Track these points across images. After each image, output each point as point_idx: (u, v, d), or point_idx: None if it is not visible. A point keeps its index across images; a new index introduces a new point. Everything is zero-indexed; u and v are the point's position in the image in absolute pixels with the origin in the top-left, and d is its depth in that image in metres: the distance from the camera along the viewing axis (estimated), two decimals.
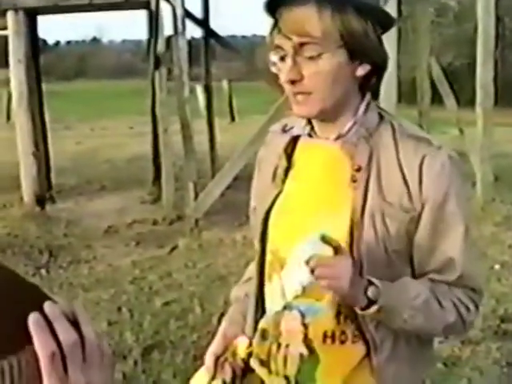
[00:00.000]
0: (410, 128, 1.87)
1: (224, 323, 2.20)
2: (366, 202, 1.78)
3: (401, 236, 1.79)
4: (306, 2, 1.72)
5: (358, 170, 1.80)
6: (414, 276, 1.84)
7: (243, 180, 9.72)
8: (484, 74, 9.64)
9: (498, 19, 12.10)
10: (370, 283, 1.71)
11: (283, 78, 1.78)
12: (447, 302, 1.79)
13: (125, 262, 7.92)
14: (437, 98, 11.37)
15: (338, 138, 1.86)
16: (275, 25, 1.82)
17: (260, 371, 1.98)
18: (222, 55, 24.30)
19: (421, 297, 1.76)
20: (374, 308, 1.70)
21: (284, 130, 2.02)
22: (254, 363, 1.98)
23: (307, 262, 1.63)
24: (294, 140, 1.97)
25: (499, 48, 28.47)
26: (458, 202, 1.78)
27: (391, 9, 9.10)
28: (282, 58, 1.79)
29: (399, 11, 10.29)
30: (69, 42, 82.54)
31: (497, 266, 7.25)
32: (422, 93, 11.16)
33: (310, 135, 1.93)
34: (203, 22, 12.88)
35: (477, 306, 1.85)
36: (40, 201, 10.75)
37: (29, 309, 0.98)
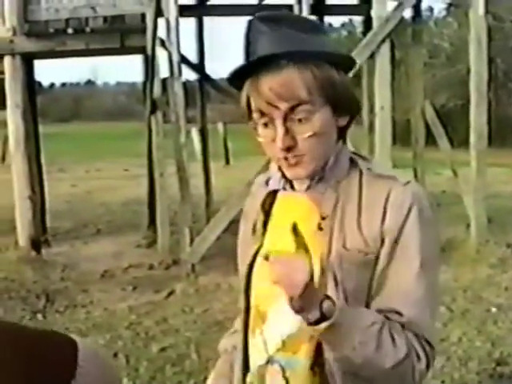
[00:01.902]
0: (378, 168, 1.85)
1: (212, 376, 2.19)
2: (331, 248, 1.78)
3: (359, 281, 1.76)
4: (286, 65, 1.70)
5: (324, 218, 1.80)
6: None
7: (239, 224, 9.76)
8: (477, 116, 9.71)
9: (491, 60, 12.23)
10: (327, 298, 1.64)
11: (278, 145, 1.74)
12: (400, 340, 1.70)
13: (121, 306, 7.90)
14: (431, 140, 11.45)
15: (308, 188, 1.85)
16: (239, 88, 1.80)
17: None
18: (216, 98, 24.36)
19: (375, 326, 1.68)
20: (326, 323, 1.61)
21: (267, 183, 2.02)
22: None
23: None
24: (274, 193, 1.97)
25: (492, 89, 28.74)
26: (419, 242, 1.74)
27: (385, 52, 9.22)
28: (265, 125, 1.77)
29: (392, 55, 10.39)
30: (64, 85, 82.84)
31: (493, 309, 7.23)
32: (416, 135, 11.27)
33: (284, 188, 1.92)
34: (198, 67, 12.98)
35: (428, 358, 1.73)
36: (35, 245, 10.75)
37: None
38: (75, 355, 1.09)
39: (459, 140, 14.73)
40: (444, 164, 11.75)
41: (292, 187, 1.91)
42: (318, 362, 1.78)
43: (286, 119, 1.72)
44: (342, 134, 1.86)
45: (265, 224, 1.97)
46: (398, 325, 1.71)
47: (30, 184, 10.78)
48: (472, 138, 9.79)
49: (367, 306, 1.77)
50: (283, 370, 1.84)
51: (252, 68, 1.73)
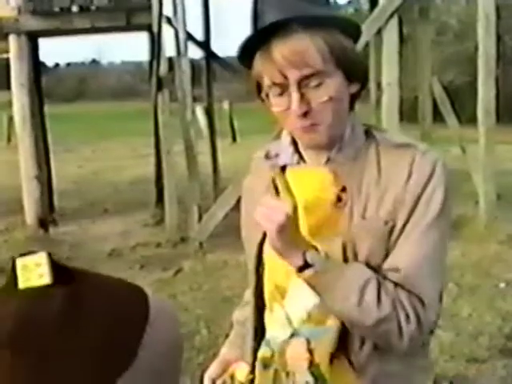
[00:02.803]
0: (394, 138, 1.86)
1: (224, 347, 2.23)
2: (352, 220, 1.78)
3: (378, 249, 1.76)
4: (296, 32, 1.69)
5: (343, 190, 1.80)
6: None
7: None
8: (485, 92, 9.66)
9: (499, 38, 12.17)
10: (313, 248, 1.70)
11: (295, 112, 1.74)
12: (387, 298, 1.70)
13: None
14: (439, 117, 11.41)
15: (327, 161, 1.84)
16: (250, 61, 1.79)
17: None
18: (222, 76, 24.40)
19: (360, 280, 1.69)
20: (308, 271, 1.67)
21: (267, 157, 1.99)
22: None
23: None
24: (282, 168, 1.94)
25: (500, 66, 28.60)
26: (433, 200, 1.75)
27: (392, 28, 9.17)
28: (280, 94, 1.76)
29: (400, 32, 10.34)
30: (68, 65, 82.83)
31: (502, 285, 7.25)
32: (423, 112, 11.22)
33: (298, 162, 1.91)
34: (205, 44, 12.96)
35: (418, 319, 1.71)
36: (43, 224, 10.80)
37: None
38: (146, 308, 1.09)
39: (467, 117, 14.62)
40: (452, 141, 11.72)
41: (304, 162, 1.90)
42: (344, 330, 1.78)
43: (300, 85, 1.71)
44: (352, 102, 1.86)
45: None
46: (390, 283, 1.72)
47: (36, 163, 10.81)
48: (480, 115, 9.74)
49: None
50: (308, 342, 1.84)
51: (262, 38, 1.72)
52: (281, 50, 1.69)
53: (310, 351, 1.83)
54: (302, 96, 1.72)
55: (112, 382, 0.99)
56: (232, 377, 2.05)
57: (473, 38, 19.12)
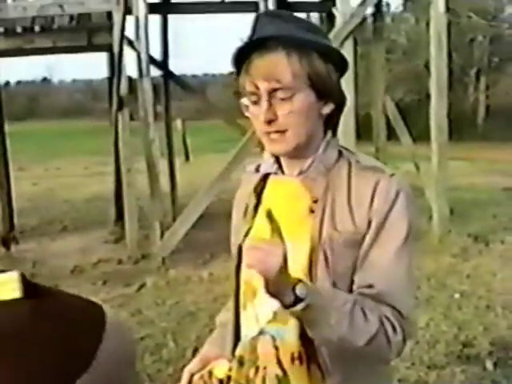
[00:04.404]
0: (366, 161, 2.03)
1: (205, 344, 2.34)
2: (322, 230, 1.93)
3: (347, 261, 1.91)
4: (275, 49, 1.88)
5: (315, 201, 1.97)
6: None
7: (204, 219, 9.92)
8: (438, 110, 9.95)
9: (450, 56, 12.45)
10: (300, 282, 1.75)
11: (260, 118, 1.92)
12: (372, 315, 1.83)
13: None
14: (393, 134, 11.67)
15: (300, 173, 2.02)
16: (239, 71, 1.98)
17: None
18: (174, 94, 24.40)
19: (348, 305, 1.80)
20: (301, 305, 1.72)
21: (257, 170, 2.18)
22: None
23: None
24: (265, 178, 2.15)
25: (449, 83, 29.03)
26: (399, 223, 1.90)
27: (348, 49, 9.40)
28: (255, 102, 1.95)
29: (355, 51, 10.60)
30: (19, 83, 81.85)
31: (456, 295, 7.49)
32: (377, 130, 11.50)
33: (276, 173, 2.10)
34: (163, 64, 13.12)
35: (403, 329, 1.86)
36: (5, 242, 10.82)
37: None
38: (103, 319, 1.14)
39: (417, 134, 14.94)
40: (405, 158, 11.98)
41: (283, 172, 2.08)
42: (305, 331, 1.89)
43: (270, 97, 1.90)
44: (329, 123, 2.04)
45: (256, 207, 2.14)
46: (371, 300, 1.85)
47: None
48: (433, 132, 10.02)
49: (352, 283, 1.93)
50: (274, 340, 1.99)
51: (246, 51, 1.93)
52: (257, 63, 1.90)
53: (276, 348, 1.99)
54: (270, 106, 1.90)
55: (72, 382, 1.07)
56: (210, 373, 2.13)
57: (422, 56, 19.45)
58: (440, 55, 9.88)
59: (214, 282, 8.35)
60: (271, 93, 1.90)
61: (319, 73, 1.92)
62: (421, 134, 13.08)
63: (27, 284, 1.08)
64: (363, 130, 16.76)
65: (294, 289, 1.73)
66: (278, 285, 1.72)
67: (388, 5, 34.76)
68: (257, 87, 1.92)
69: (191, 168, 20.04)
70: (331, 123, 2.05)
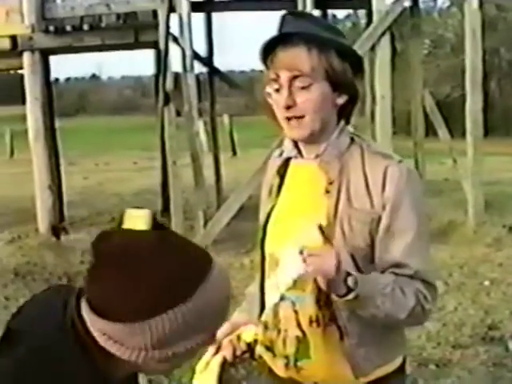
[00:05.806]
0: (376, 147, 2.31)
1: (236, 312, 2.53)
2: (337, 208, 2.18)
3: (364, 236, 2.17)
4: (297, 44, 2.17)
5: (331, 183, 2.23)
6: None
7: (247, 210, 10.18)
8: (473, 104, 10.15)
9: (495, 50, 12.49)
10: (349, 274, 2.03)
11: (280, 104, 2.19)
12: (409, 291, 2.12)
13: None
14: (431, 130, 11.85)
15: (316, 157, 2.29)
16: (265, 62, 2.26)
17: (266, 356, 2.42)
18: (221, 90, 24.50)
19: (389, 286, 2.09)
20: (352, 295, 2.01)
21: (280, 155, 2.46)
22: (260, 350, 2.37)
23: (301, 252, 1.97)
24: (287, 162, 2.42)
25: (495, 79, 28.88)
26: (412, 206, 2.17)
27: (385, 45, 9.63)
28: (277, 90, 2.19)
29: (393, 47, 10.75)
30: (68, 79, 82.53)
31: (486, 282, 7.72)
32: (416, 125, 11.62)
33: (296, 157, 2.36)
34: (208, 60, 13.40)
35: (432, 297, 2.18)
36: (55, 232, 11.21)
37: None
38: (211, 264, 1.42)
39: (464, 130, 15.00)
40: (444, 153, 12.08)
41: (302, 156, 2.36)
42: (321, 297, 2.21)
43: (291, 86, 2.19)
44: (342, 113, 2.31)
45: (279, 187, 2.42)
46: (405, 278, 2.13)
47: (50, 174, 11.28)
48: (468, 126, 10.21)
49: (372, 259, 2.20)
50: (293, 305, 2.27)
51: (272, 45, 2.22)
52: (280, 55, 2.20)
53: (296, 312, 2.27)
54: (290, 93, 2.18)
55: (164, 309, 1.35)
56: (238, 337, 2.26)
57: None
58: (475, 51, 10.05)
59: (255, 268, 8.59)
60: (291, 81, 2.17)
61: (335, 68, 2.19)
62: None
63: (155, 220, 1.42)
64: (403, 125, 16.90)
65: (345, 281, 2.02)
66: (335, 281, 2.01)
67: (435, 0, 34.63)
68: (278, 76, 2.19)
69: (238, 162, 20.10)
70: (345, 113, 2.31)
